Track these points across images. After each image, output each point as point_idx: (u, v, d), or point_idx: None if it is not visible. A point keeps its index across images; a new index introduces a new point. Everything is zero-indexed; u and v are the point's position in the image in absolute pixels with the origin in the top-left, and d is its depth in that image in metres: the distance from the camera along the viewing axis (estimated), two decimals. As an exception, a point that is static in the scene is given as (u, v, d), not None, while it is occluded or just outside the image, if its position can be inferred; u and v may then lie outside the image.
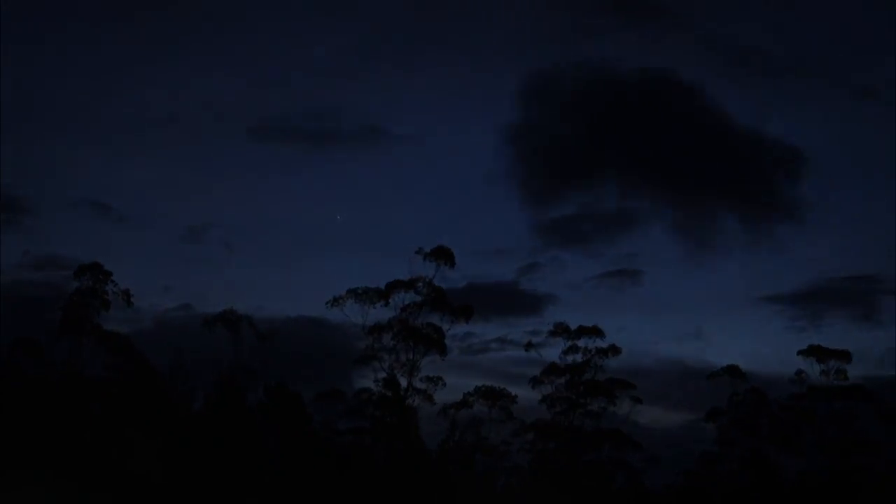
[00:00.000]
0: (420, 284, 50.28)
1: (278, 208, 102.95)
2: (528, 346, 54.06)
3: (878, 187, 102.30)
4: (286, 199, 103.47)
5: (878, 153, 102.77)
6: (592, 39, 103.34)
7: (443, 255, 50.48)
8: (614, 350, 53.32)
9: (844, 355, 53.16)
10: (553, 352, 53.58)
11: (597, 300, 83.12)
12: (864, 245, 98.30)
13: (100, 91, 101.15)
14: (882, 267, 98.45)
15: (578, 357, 53.25)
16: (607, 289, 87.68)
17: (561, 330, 53.81)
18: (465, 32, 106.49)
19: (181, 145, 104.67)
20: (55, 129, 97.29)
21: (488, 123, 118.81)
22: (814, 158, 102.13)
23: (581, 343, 53.46)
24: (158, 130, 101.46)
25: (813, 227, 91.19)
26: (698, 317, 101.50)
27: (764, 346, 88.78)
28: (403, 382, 50.15)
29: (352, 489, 46.98)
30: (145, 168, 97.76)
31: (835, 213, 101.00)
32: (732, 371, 54.10)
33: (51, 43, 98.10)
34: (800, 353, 53.79)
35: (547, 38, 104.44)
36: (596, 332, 53.46)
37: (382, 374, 50.33)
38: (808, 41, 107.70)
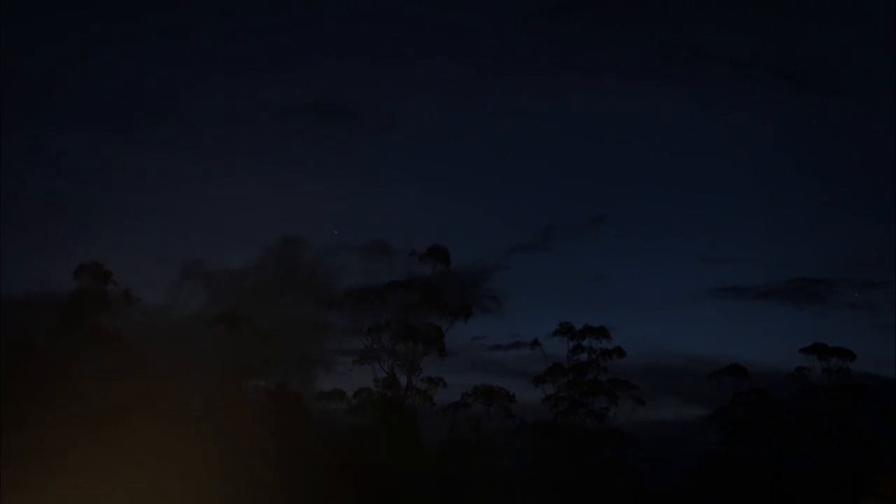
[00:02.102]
0: (418, 284, 50.42)
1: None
2: (534, 344, 53.92)
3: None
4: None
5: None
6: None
7: (439, 255, 50.68)
8: (619, 352, 53.15)
9: (847, 353, 52.85)
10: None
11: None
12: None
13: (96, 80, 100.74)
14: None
15: (584, 357, 53.07)
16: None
17: (565, 329, 53.63)
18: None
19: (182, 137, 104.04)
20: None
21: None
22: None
23: (585, 343, 53.27)
24: (160, 123, 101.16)
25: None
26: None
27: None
28: (403, 382, 50.25)
29: (352, 489, 47.01)
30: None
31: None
32: (735, 370, 53.80)
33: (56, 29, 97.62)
34: (802, 350, 53.58)
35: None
36: (602, 332, 53.27)
37: (382, 374, 50.42)
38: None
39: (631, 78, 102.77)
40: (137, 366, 47.91)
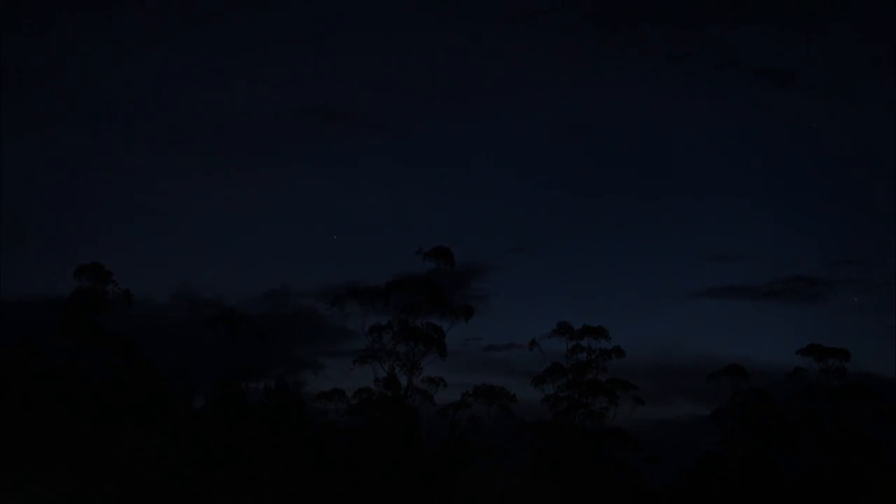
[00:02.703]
0: (420, 284, 50.41)
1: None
2: (532, 344, 53.83)
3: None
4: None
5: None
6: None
7: (442, 255, 50.69)
8: (618, 352, 53.13)
9: (843, 353, 53.01)
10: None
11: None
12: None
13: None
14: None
15: (583, 357, 53.04)
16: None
17: (564, 329, 53.59)
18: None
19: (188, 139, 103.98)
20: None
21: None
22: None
23: (584, 343, 53.25)
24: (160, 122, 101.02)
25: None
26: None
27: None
28: (403, 382, 50.25)
29: (352, 489, 47.00)
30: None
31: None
32: (734, 370, 53.86)
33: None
34: (798, 351, 53.72)
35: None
36: (600, 332, 53.25)
37: (382, 374, 50.39)
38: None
39: (630, 78, 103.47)
40: (137, 366, 47.96)
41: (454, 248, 51.34)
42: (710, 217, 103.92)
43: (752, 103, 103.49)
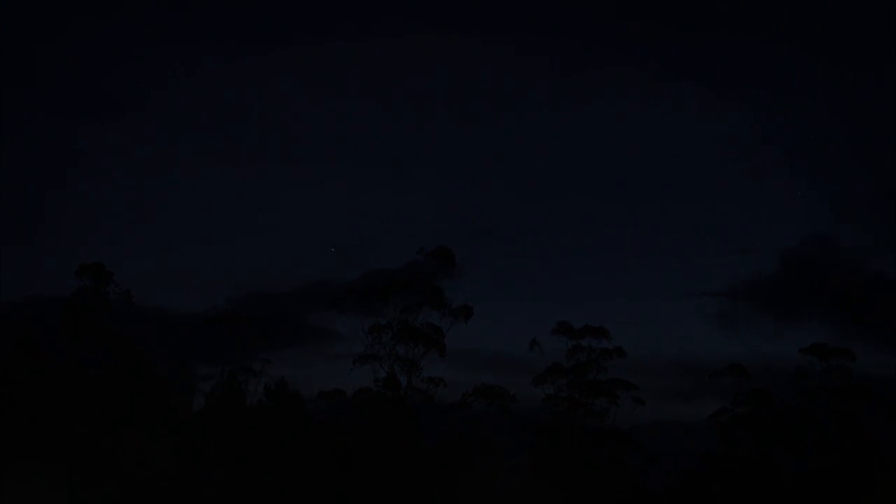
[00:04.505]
0: (419, 284, 50.35)
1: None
2: (532, 344, 53.76)
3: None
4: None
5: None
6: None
7: (443, 255, 50.66)
8: (619, 352, 53.02)
9: (847, 353, 52.79)
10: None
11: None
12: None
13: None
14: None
15: (583, 357, 52.94)
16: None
17: (564, 329, 53.49)
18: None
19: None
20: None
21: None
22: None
23: (584, 343, 53.17)
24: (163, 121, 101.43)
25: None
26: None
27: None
28: (403, 382, 50.18)
29: (352, 489, 46.98)
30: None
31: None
32: (735, 370, 53.73)
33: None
34: (802, 350, 53.49)
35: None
36: (601, 332, 53.15)
37: (382, 375, 50.33)
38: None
39: (629, 79, 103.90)
40: (137, 366, 47.98)
41: (455, 249, 51.41)
42: (710, 217, 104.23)
43: (753, 106, 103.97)
